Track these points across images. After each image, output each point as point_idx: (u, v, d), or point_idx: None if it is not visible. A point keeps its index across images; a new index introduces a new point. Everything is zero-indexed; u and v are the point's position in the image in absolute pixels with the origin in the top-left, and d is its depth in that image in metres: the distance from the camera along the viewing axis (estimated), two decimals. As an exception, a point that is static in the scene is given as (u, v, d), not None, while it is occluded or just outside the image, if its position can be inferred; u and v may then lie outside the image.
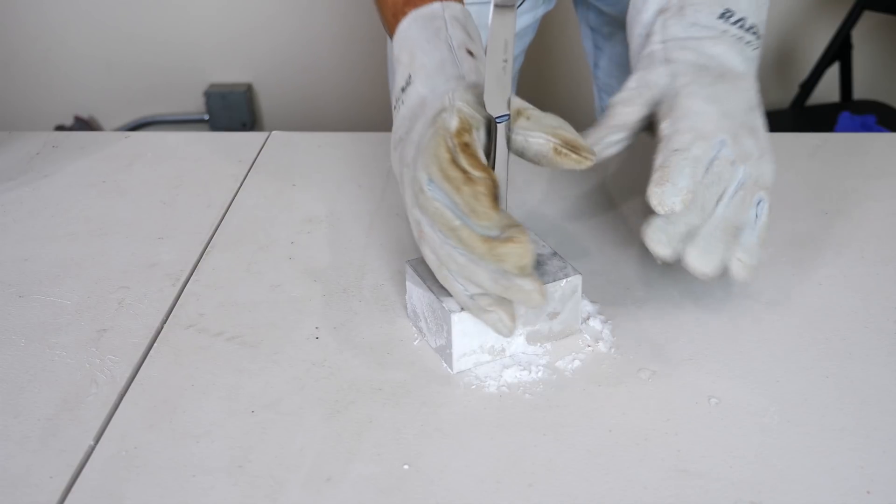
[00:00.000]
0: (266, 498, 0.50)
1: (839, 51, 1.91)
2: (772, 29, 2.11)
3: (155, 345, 0.63)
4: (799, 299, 0.66)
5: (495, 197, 0.54)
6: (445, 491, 0.51)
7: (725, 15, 0.67)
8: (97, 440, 0.55)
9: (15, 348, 0.63)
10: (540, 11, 1.05)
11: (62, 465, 0.53)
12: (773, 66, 2.15)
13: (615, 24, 1.06)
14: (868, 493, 0.50)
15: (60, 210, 0.80)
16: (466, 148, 0.55)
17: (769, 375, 0.59)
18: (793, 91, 2.00)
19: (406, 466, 0.52)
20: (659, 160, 0.60)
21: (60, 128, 2.22)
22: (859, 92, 2.06)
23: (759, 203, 0.61)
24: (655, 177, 0.58)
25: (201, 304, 0.67)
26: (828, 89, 1.99)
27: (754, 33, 0.68)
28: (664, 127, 0.62)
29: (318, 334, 0.63)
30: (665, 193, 0.58)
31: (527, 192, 0.81)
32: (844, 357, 0.60)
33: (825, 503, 0.50)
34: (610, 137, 0.65)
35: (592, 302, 0.65)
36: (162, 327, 0.65)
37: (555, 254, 0.63)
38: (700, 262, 0.58)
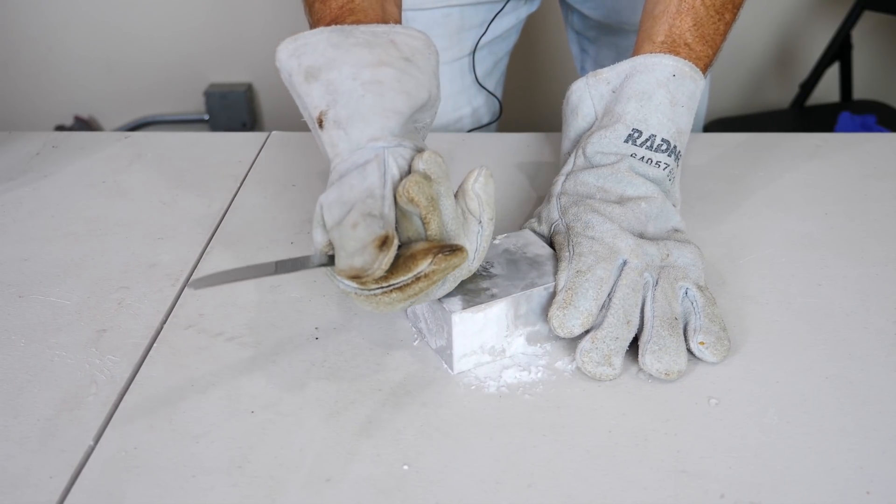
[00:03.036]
0: (266, 498, 0.50)
1: (839, 51, 1.91)
2: (772, 29, 2.11)
3: (155, 345, 0.63)
4: (799, 299, 0.66)
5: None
6: (445, 491, 0.51)
7: (632, 137, 0.68)
8: (97, 440, 0.55)
9: (15, 348, 0.63)
10: (523, 13, 1.05)
11: (62, 465, 0.53)
12: (773, 66, 2.15)
13: (600, 29, 1.06)
14: (868, 493, 0.50)
15: (60, 210, 0.80)
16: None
17: (769, 375, 0.59)
18: (793, 91, 2.00)
19: (406, 467, 0.52)
20: (562, 282, 0.60)
21: (60, 128, 2.22)
22: (859, 92, 2.06)
23: (686, 292, 0.62)
24: (559, 299, 0.60)
25: (201, 304, 0.67)
26: (828, 89, 1.99)
27: (666, 150, 0.68)
28: (563, 253, 0.63)
29: (317, 334, 0.63)
30: (567, 317, 0.59)
31: (528, 191, 0.81)
32: (844, 357, 0.60)
33: (825, 503, 0.50)
34: None
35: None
36: (162, 327, 0.65)
37: (553, 254, 0.63)
38: (659, 363, 0.58)
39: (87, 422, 0.56)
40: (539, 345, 0.61)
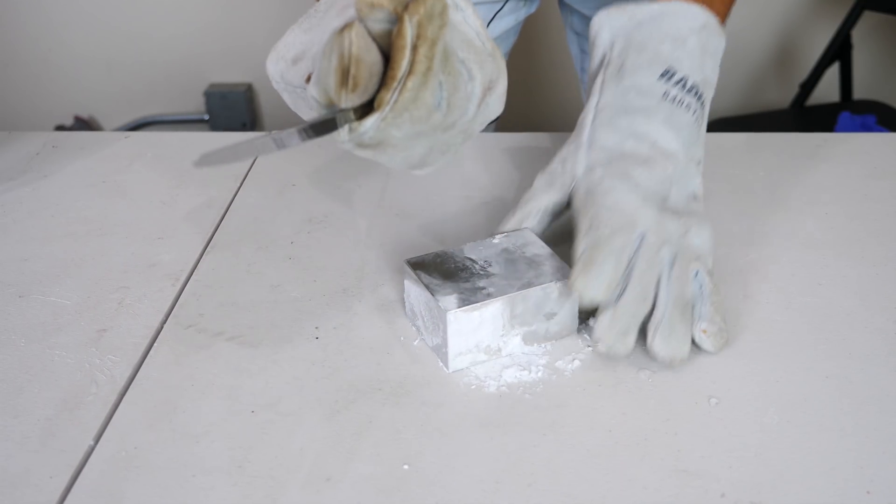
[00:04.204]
0: (266, 498, 0.50)
1: (839, 51, 1.91)
2: (772, 29, 2.11)
3: (155, 345, 0.63)
4: (799, 299, 0.66)
5: None
6: (445, 491, 0.51)
7: (666, 75, 0.66)
8: (97, 440, 0.55)
9: (15, 348, 0.63)
10: (522, 14, 1.05)
11: (62, 465, 0.53)
12: (773, 66, 2.16)
13: None
14: (868, 493, 0.50)
15: (60, 210, 0.80)
16: None
17: (769, 375, 0.59)
18: (793, 91, 2.00)
19: (406, 466, 0.52)
20: (580, 249, 0.60)
21: (60, 128, 2.22)
22: (859, 92, 2.06)
23: (696, 275, 0.61)
24: (578, 266, 0.59)
25: (201, 304, 0.67)
26: (828, 89, 1.99)
27: (695, 94, 0.67)
28: (582, 221, 0.62)
29: (318, 334, 0.63)
30: (590, 280, 0.58)
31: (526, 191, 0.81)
32: (844, 357, 0.60)
33: (825, 503, 0.50)
34: (527, 221, 0.66)
35: (592, 302, 0.65)
36: (162, 327, 0.65)
37: (552, 254, 0.63)
38: (667, 347, 0.58)
39: (87, 422, 0.56)
40: (536, 345, 0.61)
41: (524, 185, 0.81)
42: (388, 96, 0.52)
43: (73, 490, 0.51)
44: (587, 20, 1.06)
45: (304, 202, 0.80)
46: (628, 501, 0.50)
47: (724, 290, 0.67)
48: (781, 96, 2.15)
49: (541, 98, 2.07)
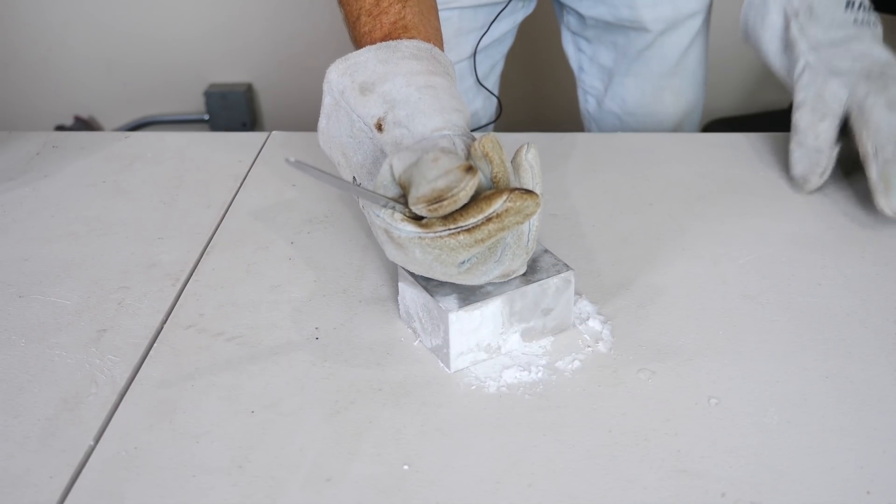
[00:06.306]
0: (266, 498, 0.50)
1: (839, 51, 1.90)
2: (772, 29, 2.11)
3: (155, 345, 0.63)
4: (799, 299, 0.66)
5: None
6: (445, 491, 0.51)
7: (849, 5, 0.78)
8: (97, 440, 0.55)
9: (15, 348, 0.63)
10: (519, 16, 1.05)
11: (62, 465, 0.53)
12: (773, 66, 2.15)
13: (598, 28, 1.06)
14: (868, 493, 0.50)
15: (60, 210, 0.80)
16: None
17: (769, 375, 0.59)
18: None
19: (406, 466, 0.52)
20: (874, 173, 0.72)
21: (60, 128, 2.22)
22: (859, 92, 2.06)
23: None
24: (880, 188, 0.71)
25: (201, 304, 0.67)
26: (828, 89, 1.98)
27: (870, 10, 0.79)
28: (865, 142, 0.73)
29: (318, 334, 0.63)
30: (894, 201, 0.71)
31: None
32: (844, 357, 0.60)
33: (825, 503, 0.50)
34: (822, 165, 0.77)
35: (592, 302, 0.65)
36: (162, 327, 0.65)
37: (546, 251, 0.63)
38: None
39: (87, 422, 0.56)
40: (534, 341, 0.61)
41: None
42: (440, 229, 0.53)
43: (73, 490, 0.51)
44: (584, 19, 1.06)
45: (304, 202, 0.80)
46: (628, 501, 0.50)
47: (726, 288, 0.67)
48: (781, 96, 2.14)
49: (538, 100, 2.07)
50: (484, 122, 1.05)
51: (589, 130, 1.17)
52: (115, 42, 2.15)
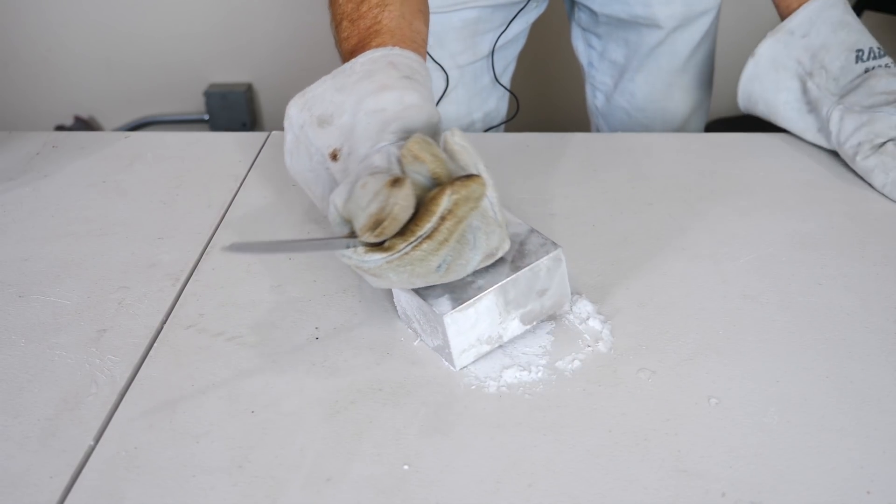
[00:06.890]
0: (266, 498, 0.50)
1: (839, 51, 1.91)
2: (773, 29, 2.11)
3: (155, 345, 0.63)
4: (799, 299, 0.66)
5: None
6: (445, 491, 0.51)
7: (859, 59, 0.81)
8: (97, 440, 0.55)
9: (15, 348, 0.63)
10: (532, 16, 1.05)
11: (62, 465, 0.53)
12: (773, 66, 2.15)
13: (609, 24, 1.06)
14: (868, 493, 0.50)
15: (60, 210, 0.80)
16: None
17: (769, 375, 0.59)
18: (793, 91, 2.00)
19: (406, 466, 0.52)
20: None
21: (60, 128, 2.22)
22: (859, 92, 2.06)
23: None
24: None
25: (201, 304, 0.67)
26: (828, 89, 1.99)
27: (881, 55, 0.81)
28: None
29: (318, 334, 0.63)
30: None
31: (527, 191, 0.81)
32: (844, 357, 0.60)
33: (825, 503, 0.50)
34: None
35: (592, 302, 0.65)
36: (162, 327, 0.65)
37: (533, 230, 0.62)
38: None
39: (87, 422, 0.56)
40: (534, 323, 0.61)
41: (528, 184, 0.81)
42: (401, 246, 0.53)
43: (73, 490, 0.51)
44: (596, 15, 1.06)
45: (304, 202, 0.80)
46: (628, 501, 0.50)
47: (726, 288, 0.67)
48: (781, 96, 2.14)
49: (551, 98, 2.07)
50: (497, 121, 1.06)
51: (595, 126, 1.17)
52: (115, 42, 2.15)
